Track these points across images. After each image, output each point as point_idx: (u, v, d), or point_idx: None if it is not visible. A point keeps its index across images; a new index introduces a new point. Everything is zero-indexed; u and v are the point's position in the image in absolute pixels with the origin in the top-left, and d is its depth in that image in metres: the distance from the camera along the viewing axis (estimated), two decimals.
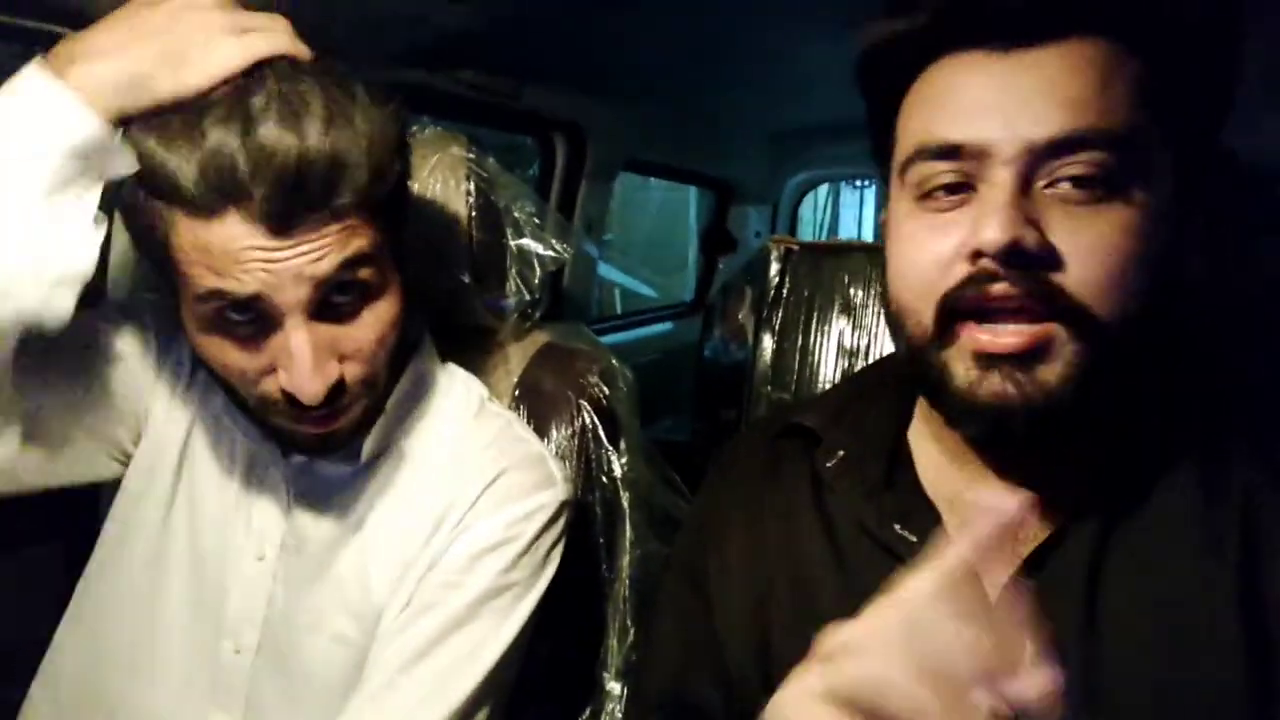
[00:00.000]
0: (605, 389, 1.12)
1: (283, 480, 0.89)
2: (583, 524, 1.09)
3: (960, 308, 0.60)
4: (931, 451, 0.72)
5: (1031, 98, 0.58)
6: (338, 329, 0.76)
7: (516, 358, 1.14)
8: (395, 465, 0.90)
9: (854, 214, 6.15)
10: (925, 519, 0.68)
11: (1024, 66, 0.59)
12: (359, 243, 0.74)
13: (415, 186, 1.07)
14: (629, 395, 1.17)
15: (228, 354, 0.76)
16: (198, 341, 0.77)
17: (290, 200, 0.70)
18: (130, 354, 0.91)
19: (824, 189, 5.42)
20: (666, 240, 4.58)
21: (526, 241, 1.12)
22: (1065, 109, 0.57)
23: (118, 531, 0.93)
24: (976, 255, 0.58)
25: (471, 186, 1.06)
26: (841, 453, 0.74)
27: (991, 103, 0.59)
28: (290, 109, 0.69)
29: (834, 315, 1.16)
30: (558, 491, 0.91)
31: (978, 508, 0.49)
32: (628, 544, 1.13)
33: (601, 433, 1.11)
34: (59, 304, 0.72)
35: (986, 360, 0.59)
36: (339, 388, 0.77)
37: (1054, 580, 0.62)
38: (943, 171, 0.61)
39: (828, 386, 1.17)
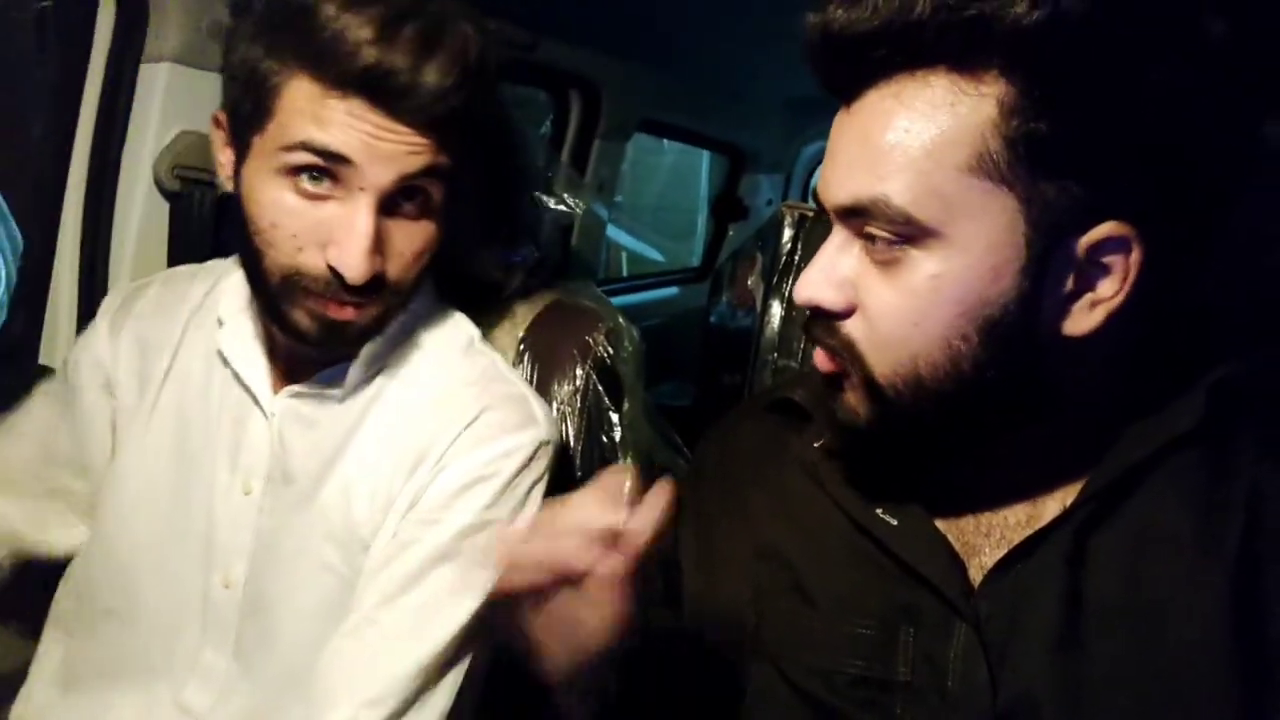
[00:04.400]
0: (610, 348, 1.12)
1: (270, 415, 0.90)
2: (582, 483, 1.09)
3: None
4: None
5: (835, 161, 0.62)
6: (391, 227, 0.81)
7: (523, 313, 1.14)
8: (380, 398, 0.91)
9: None
10: (907, 502, 0.68)
11: (851, 122, 0.61)
12: (443, 159, 0.81)
13: None
14: (634, 355, 1.16)
15: (286, 210, 0.78)
16: (259, 194, 0.79)
17: (415, 103, 0.76)
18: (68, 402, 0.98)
19: None
20: (676, 205, 4.54)
21: (538, 196, 1.11)
22: (850, 175, 0.60)
23: (109, 476, 0.95)
24: None
25: None
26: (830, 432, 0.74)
27: (827, 159, 0.63)
28: (448, 36, 0.77)
29: None
30: (539, 431, 0.90)
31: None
32: None
33: (604, 391, 1.11)
34: None
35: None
36: (376, 281, 0.80)
37: (1041, 569, 0.62)
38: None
39: None
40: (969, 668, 0.62)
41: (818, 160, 3.12)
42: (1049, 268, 0.57)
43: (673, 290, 2.86)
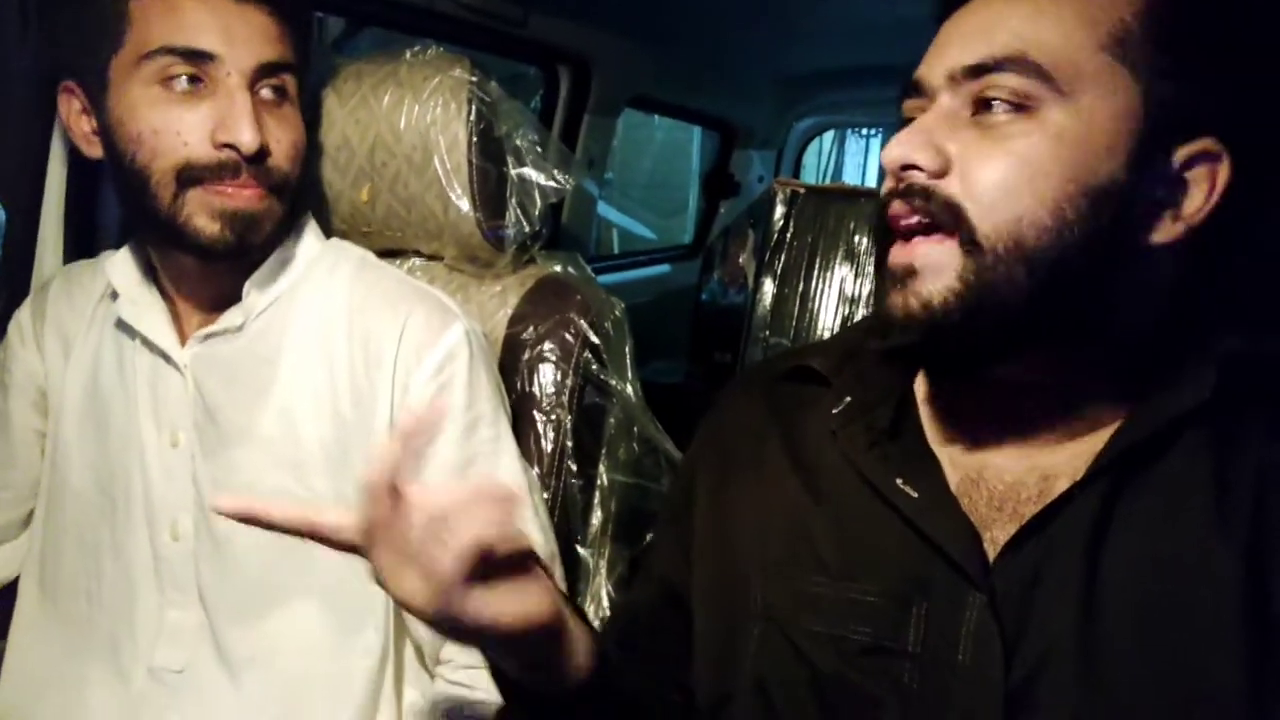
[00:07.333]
0: (598, 324, 1.11)
1: (183, 366, 0.92)
2: (576, 454, 1.09)
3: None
4: (933, 403, 0.71)
5: (963, 28, 0.64)
6: (262, 113, 0.86)
7: (513, 290, 1.13)
8: (290, 324, 0.93)
9: (858, 162, 6.08)
10: (927, 472, 0.67)
11: (970, 9, 0.64)
12: (291, 53, 0.88)
13: (415, 109, 1.04)
14: (621, 332, 1.16)
15: (166, 113, 0.82)
16: (135, 110, 0.82)
17: None
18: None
19: (829, 136, 5.35)
20: (667, 182, 4.53)
21: (528, 171, 1.10)
22: (985, 36, 0.61)
23: (48, 468, 0.99)
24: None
25: (473, 111, 1.03)
26: (848, 399, 0.73)
27: (940, 41, 0.65)
28: None
29: (837, 261, 1.15)
30: (460, 321, 0.94)
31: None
32: (609, 477, 1.13)
33: (592, 368, 1.10)
34: None
35: (893, 277, 0.64)
36: (266, 161, 0.85)
37: (1055, 544, 0.62)
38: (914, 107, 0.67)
39: (827, 333, 1.16)
40: (981, 643, 0.61)
41: (809, 137, 3.11)
42: (1149, 166, 0.60)
43: (664, 268, 2.85)
